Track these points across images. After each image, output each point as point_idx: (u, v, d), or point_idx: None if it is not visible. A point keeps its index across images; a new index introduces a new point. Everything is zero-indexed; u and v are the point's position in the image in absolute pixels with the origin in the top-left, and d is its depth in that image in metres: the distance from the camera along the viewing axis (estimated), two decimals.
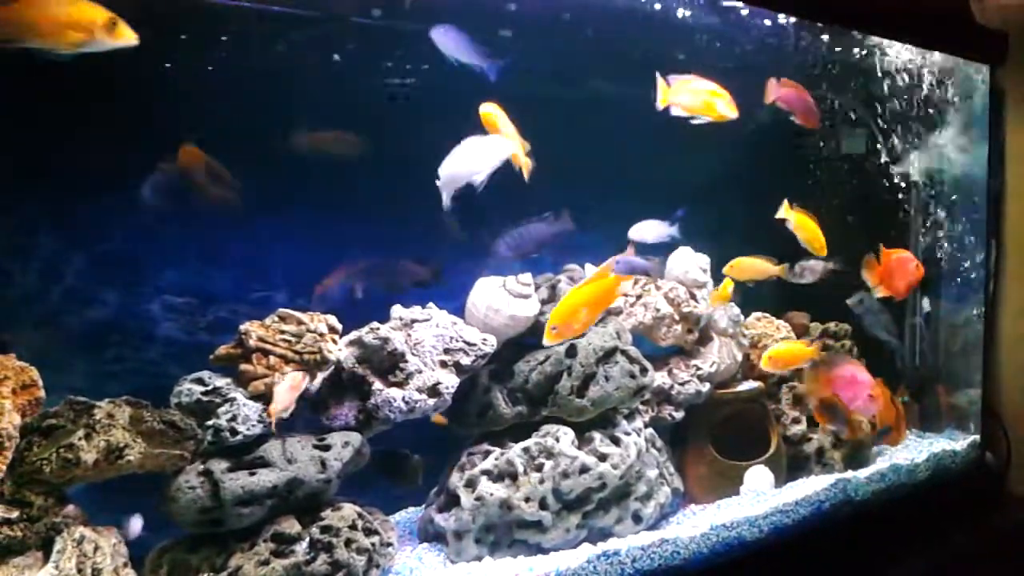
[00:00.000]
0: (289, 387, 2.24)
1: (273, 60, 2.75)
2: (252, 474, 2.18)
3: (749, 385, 3.29)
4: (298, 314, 2.43)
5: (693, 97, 2.84)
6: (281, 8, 2.69)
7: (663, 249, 3.24)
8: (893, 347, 3.93)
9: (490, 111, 2.57)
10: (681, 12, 3.41)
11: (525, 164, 2.61)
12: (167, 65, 2.51)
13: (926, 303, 3.74)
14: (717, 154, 3.41)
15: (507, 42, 2.98)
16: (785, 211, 3.19)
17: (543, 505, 2.49)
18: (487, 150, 2.49)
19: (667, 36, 3.46)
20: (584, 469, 2.54)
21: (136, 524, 2.15)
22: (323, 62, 2.81)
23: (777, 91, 3.20)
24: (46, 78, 2.08)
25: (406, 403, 2.46)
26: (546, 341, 2.42)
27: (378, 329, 2.53)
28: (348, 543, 2.21)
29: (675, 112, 2.83)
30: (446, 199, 2.46)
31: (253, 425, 2.24)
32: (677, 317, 3.14)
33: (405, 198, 2.81)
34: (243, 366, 2.29)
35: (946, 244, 4.16)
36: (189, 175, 2.54)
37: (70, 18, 1.82)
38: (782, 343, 3.27)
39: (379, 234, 2.95)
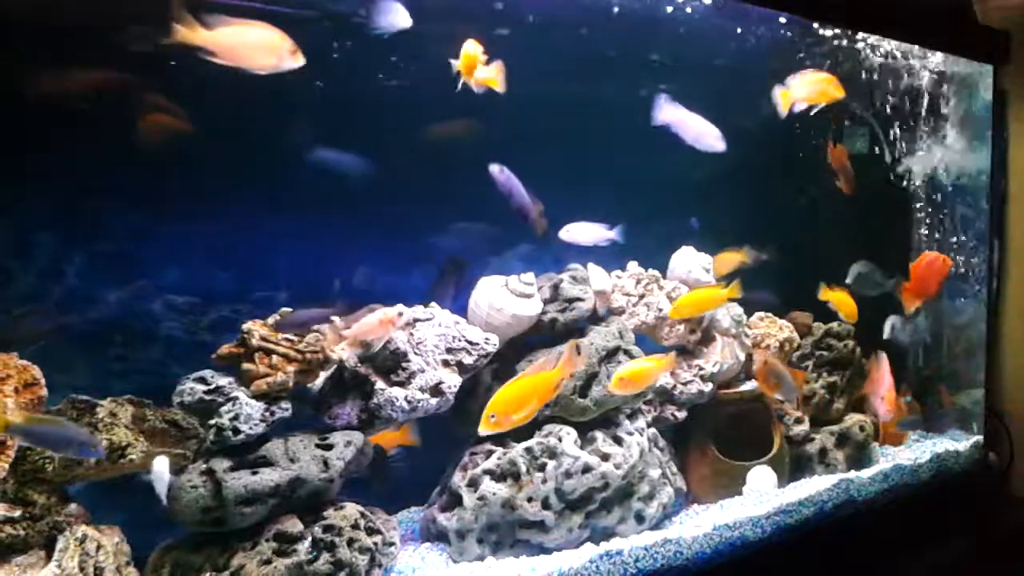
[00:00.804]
0: (379, 320, 2.26)
1: None
2: (254, 473, 2.17)
3: (752, 385, 3.28)
4: None
5: (810, 88, 2.99)
6: None
7: (604, 253, 3.16)
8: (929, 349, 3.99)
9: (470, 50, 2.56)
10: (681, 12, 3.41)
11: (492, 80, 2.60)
12: None
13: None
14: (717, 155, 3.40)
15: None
16: (824, 293, 3.44)
17: (546, 505, 2.49)
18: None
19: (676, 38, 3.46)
20: (587, 469, 2.54)
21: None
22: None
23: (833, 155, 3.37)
24: None
25: (408, 402, 2.46)
26: (481, 430, 2.26)
27: None
28: (350, 542, 2.21)
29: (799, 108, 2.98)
30: None
31: (255, 424, 2.24)
32: None
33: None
34: (245, 365, 2.29)
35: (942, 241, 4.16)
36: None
37: (267, 46, 2.21)
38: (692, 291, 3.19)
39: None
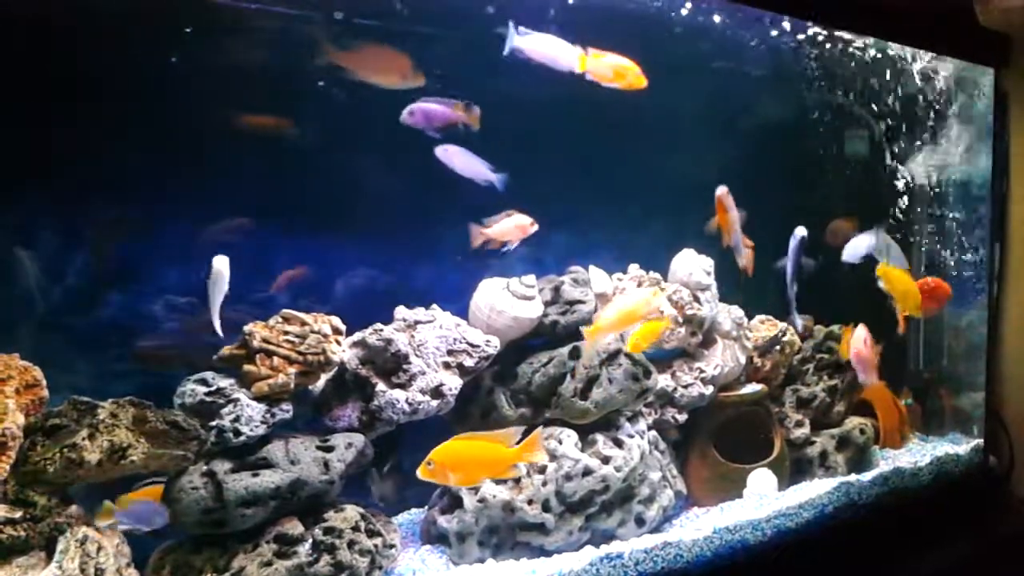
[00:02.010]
0: (516, 224, 2.39)
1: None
2: (255, 475, 2.18)
3: (752, 388, 3.28)
4: (302, 315, 2.43)
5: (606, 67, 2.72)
6: None
7: (606, 256, 3.15)
8: None
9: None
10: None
11: None
12: None
13: None
14: (718, 157, 3.40)
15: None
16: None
17: (546, 507, 2.49)
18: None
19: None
20: (587, 471, 2.54)
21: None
22: None
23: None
24: None
25: (409, 404, 2.46)
26: (419, 472, 2.18)
27: (382, 330, 2.53)
28: (351, 544, 2.21)
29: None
30: None
31: (256, 426, 2.24)
32: (681, 320, 3.14)
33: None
34: (247, 367, 2.29)
35: (943, 243, 4.16)
36: None
37: (394, 66, 2.62)
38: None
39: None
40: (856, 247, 3.40)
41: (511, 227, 2.73)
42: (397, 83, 2.63)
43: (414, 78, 2.63)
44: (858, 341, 3.14)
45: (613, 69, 2.67)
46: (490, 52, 2.60)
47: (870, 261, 3.40)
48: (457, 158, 2.70)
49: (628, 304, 2.63)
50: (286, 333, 2.37)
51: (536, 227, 2.77)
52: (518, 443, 2.24)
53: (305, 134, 2.76)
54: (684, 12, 3.37)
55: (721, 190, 2.99)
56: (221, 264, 2.28)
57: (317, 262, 2.87)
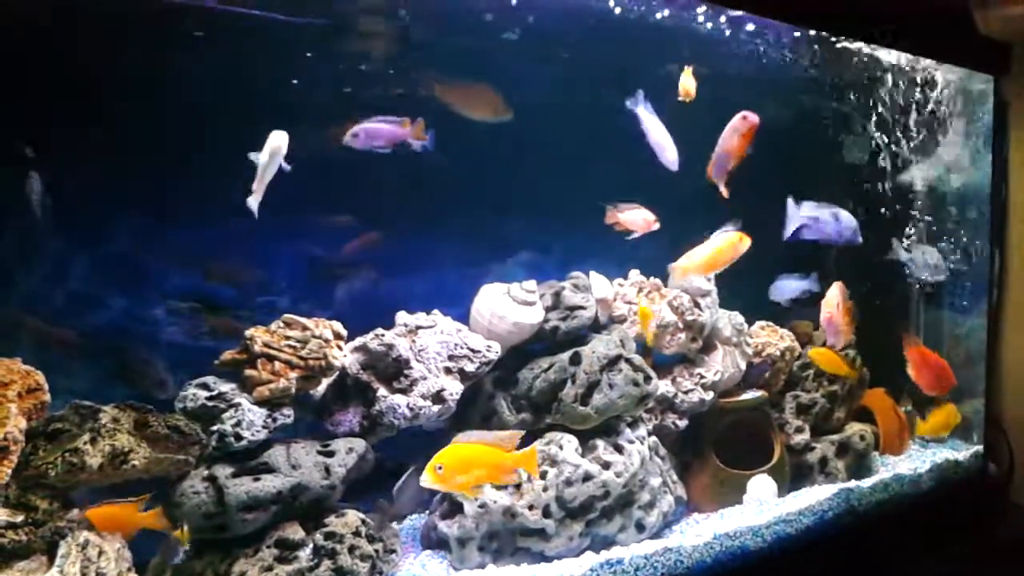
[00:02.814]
0: (643, 216, 2.70)
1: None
2: (256, 480, 2.18)
3: (753, 394, 3.29)
4: (303, 320, 2.43)
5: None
6: None
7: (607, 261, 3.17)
8: None
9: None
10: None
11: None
12: None
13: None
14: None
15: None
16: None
17: (546, 513, 2.49)
18: None
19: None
20: (587, 477, 2.54)
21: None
22: None
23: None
24: None
25: (410, 410, 2.47)
26: (425, 479, 2.16)
27: (383, 335, 2.53)
28: (352, 549, 2.21)
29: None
30: None
31: (258, 431, 2.24)
32: (681, 325, 3.14)
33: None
34: (248, 371, 2.30)
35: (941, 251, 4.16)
36: None
37: (488, 103, 2.95)
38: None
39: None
40: (784, 287, 3.42)
41: (639, 218, 2.93)
42: (490, 117, 2.93)
43: (504, 112, 2.94)
44: (831, 304, 3.14)
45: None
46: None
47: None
48: (653, 127, 2.83)
49: (716, 245, 2.73)
50: (287, 338, 2.37)
51: (657, 225, 2.96)
52: (518, 448, 2.25)
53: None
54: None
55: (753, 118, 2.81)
56: (279, 139, 2.28)
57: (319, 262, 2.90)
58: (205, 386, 2.27)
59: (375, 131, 2.62)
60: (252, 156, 2.29)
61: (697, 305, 3.19)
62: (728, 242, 2.73)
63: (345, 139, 2.60)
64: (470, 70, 2.97)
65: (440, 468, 2.14)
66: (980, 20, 3.71)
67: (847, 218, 3.13)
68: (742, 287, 3.36)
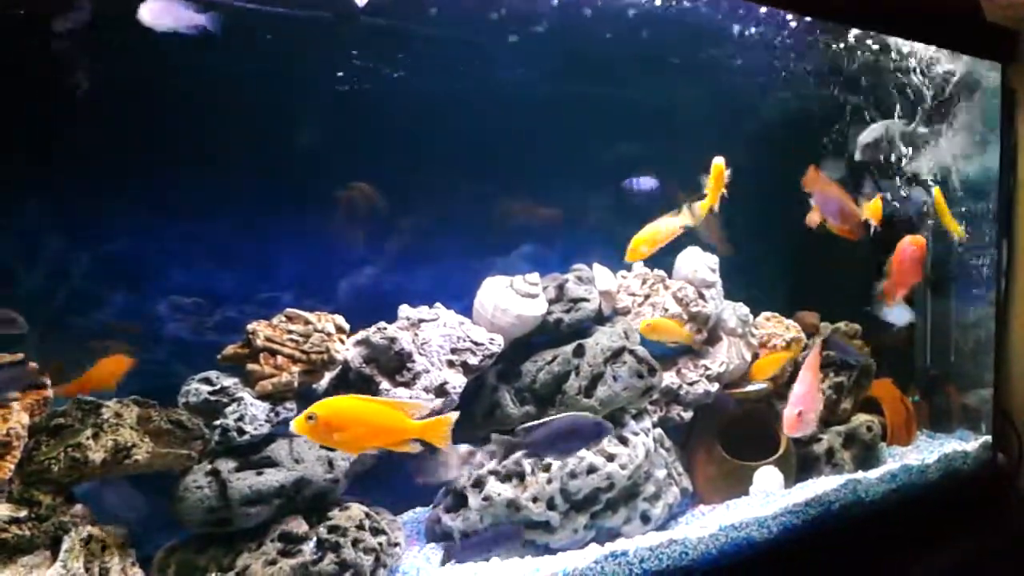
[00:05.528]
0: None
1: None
2: (259, 474, 2.18)
3: (758, 385, 3.27)
4: (305, 314, 2.43)
5: None
6: None
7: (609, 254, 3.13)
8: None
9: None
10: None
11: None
12: None
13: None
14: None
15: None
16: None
17: (551, 505, 2.48)
18: None
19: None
20: (592, 469, 2.53)
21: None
22: None
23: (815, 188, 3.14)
24: None
25: None
26: (294, 427, 1.86)
27: (385, 329, 2.53)
28: (355, 543, 2.21)
29: None
30: None
31: (260, 425, 2.24)
32: (686, 317, 3.13)
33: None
34: (250, 366, 2.30)
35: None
36: None
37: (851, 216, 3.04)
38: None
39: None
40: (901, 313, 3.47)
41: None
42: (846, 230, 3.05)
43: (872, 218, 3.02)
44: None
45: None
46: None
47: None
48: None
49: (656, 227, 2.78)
50: (290, 332, 2.37)
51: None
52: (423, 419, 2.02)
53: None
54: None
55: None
56: None
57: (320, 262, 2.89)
58: (208, 381, 2.27)
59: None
60: None
61: (702, 296, 3.18)
62: (668, 227, 2.80)
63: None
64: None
65: (312, 418, 1.83)
66: (987, 7, 3.67)
67: (850, 209, 3.12)
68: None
